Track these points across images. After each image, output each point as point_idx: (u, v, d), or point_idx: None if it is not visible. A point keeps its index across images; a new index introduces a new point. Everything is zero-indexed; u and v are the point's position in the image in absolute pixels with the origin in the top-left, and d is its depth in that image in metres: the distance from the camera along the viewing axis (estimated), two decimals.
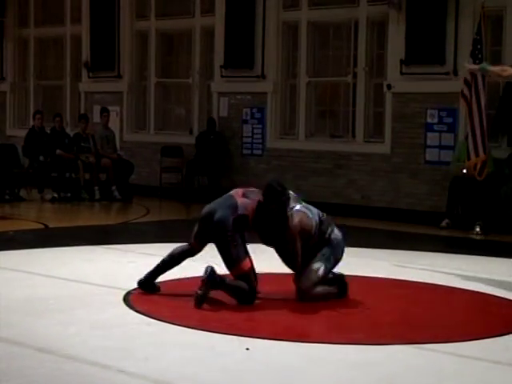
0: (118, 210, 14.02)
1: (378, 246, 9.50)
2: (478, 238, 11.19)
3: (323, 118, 14.23)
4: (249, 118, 14.48)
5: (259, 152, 14.30)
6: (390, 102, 12.87)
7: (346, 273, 6.77)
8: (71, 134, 15.10)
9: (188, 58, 15.52)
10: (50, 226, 11.06)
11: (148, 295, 6.52)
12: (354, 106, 13.47)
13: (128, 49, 16.00)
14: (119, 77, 16.05)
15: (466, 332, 5.76)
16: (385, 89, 12.91)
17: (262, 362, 4.84)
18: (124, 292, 6.55)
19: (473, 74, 11.07)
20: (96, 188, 14.41)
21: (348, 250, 6.61)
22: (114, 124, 15.62)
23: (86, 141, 14.79)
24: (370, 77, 13.29)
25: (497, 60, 12.03)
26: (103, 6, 16.02)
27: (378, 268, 7.88)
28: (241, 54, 14.33)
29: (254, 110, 14.41)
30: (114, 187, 14.54)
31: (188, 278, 7.21)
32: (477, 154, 11.15)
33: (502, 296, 6.95)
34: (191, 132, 15.28)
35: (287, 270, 6.54)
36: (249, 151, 14.43)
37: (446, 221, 11.82)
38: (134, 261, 8.15)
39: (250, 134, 14.45)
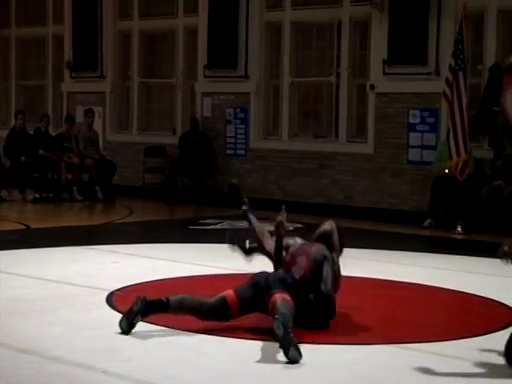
0: (100, 211, 13.99)
1: (360, 246, 9.52)
2: (459, 237, 11.26)
3: (306, 118, 14.27)
4: (232, 118, 14.49)
5: (243, 152, 14.31)
6: (373, 103, 12.92)
7: None
8: (53, 134, 15.05)
9: (171, 58, 15.51)
10: (32, 226, 11.03)
11: (131, 296, 6.51)
12: (337, 106, 13.51)
13: (111, 49, 15.97)
14: (102, 77, 16.01)
15: (448, 331, 5.79)
16: (368, 89, 12.96)
17: (245, 362, 4.85)
18: (107, 293, 6.54)
19: (454, 73, 11.17)
20: (75, 188, 14.32)
21: None
22: (96, 124, 15.57)
23: (69, 141, 14.75)
24: (352, 77, 13.33)
25: (478, 60, 12.13)
26: (85, 6, 15.97)
27: (360, 268, 7.90)
28: (224, 54, 14.34)
29: (238, 110, 14.42)
30: (97, 188, 14.52)
31: (173, 279, 7.23)
32: (458, 154, 11.22)
33: (484, 295, 6.99)
34: (174, 132, 15.26)
35: None
36: (232, 151, 14.43)
37: (429, 220, 11.88)
38: (118, 261, 8.15)
39: (234, 134, 14.46)
